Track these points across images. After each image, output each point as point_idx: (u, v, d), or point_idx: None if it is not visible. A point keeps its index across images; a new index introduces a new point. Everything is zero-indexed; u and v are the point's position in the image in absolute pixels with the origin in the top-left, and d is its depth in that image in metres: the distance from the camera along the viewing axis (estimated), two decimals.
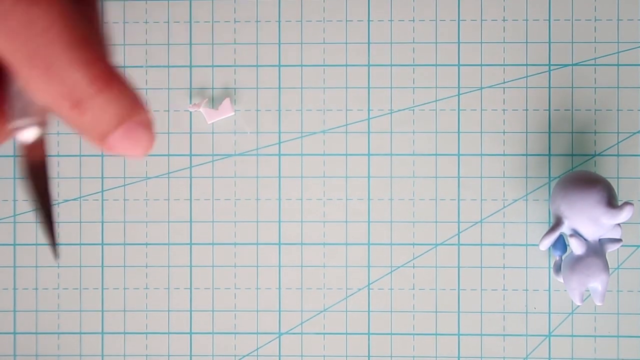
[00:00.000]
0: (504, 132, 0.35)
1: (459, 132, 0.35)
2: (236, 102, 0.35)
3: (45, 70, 0.21)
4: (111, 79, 0.22)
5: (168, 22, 0.35)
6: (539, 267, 0.35)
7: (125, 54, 0.35)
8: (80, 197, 0.35)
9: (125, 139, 0.23)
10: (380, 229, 0.35)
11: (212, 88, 0.35)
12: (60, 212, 0.35)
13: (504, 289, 0.35)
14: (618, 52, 0.35)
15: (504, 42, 0.35)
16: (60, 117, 0.21)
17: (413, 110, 0.35)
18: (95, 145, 0.25)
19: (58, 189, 0.35)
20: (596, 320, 0.35)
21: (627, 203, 0.31)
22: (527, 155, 0.35)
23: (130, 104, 0.22)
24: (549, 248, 0.34)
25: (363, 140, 0.35)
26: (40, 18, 0.20)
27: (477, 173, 0.35)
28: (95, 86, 0.21)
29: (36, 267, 0.35)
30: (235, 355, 0.35)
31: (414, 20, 0.35)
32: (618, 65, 0.35)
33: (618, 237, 0.32)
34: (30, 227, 0.35)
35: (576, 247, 0.31)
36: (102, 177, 0.35)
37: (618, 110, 0.35)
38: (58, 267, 0.35)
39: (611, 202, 0.31)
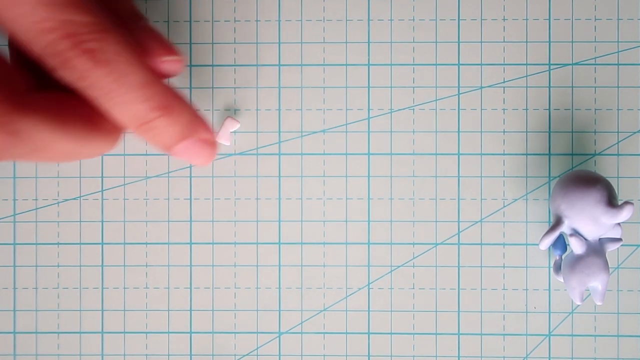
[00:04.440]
0: (504, 132, 0.35)
1: (459, 131, 0.35)
2: (236, 102, 0.35)
3: (116, 104, 0.27)
4: (170, 105, 0.28)
5: (168, 21, 0.35)
6: (539, 266, 0.35)
7: None
8: (80, 197, 0.35)
9: (187, 151, 0.30)
10: (380, 229, 0.35)
11: (212, 87, 0.35)
12: (60, 212, 0.35)
13: (504, 289, 0.35)
14: (618, 52, 0.35)
15: (504, 42, 0.35)
16: (135, 132, 0.28)
17: (413, 109, 0.35)
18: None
19: (58, 189, 0.35)
20: (596, 319, 0.35)
21: (627, 202, 0.31)
22: (527, 154, 0.35)
23: (187, 124, 0.29)
24: (549, 247, 0.34)
25: (363, 140, 0.35)
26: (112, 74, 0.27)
27: (477, 172, 0.35)
28: (156, 113, 0.28)
29: (36, 266, 0.35)
30: (235, 355, 0.35)
31: (414, 20, 0.35)
32: (618, 64, 0.35)
33: (618, 236, 0.32)
34: (30, 226, 0.35)
35: (576, 246, 0.31)
36: (102, 177, 0.35)
37: (618, 109, 0.35)
38: (58, 266, 0.35)
39: (611, 201, 0.31)
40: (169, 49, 0.30)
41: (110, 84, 0.27)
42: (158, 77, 0.28)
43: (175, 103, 0.29)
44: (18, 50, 0.27)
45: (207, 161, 0.31)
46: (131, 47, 0.27)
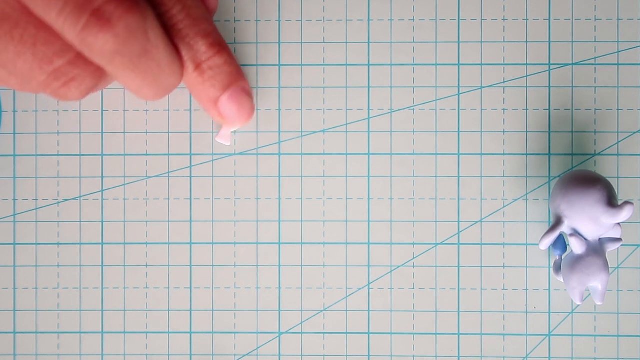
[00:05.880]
0: (504, 132, 0.35)
1: (459, 131, 0.35)
2: None
3: (183, 37, 0.29)
4: (223, 45, 0.31)
5: None
6: (539, 266, 0.35)
7: None
8: (80, 197, 0.35)
9: (232, 101, 0.31)
10: (380, 229, 0.35)
11: None
12: (60, 212, 0.35)
13: (504, 289, 0.35)
14: (618, 52, 0.35)
15: (504, 42, 0.35)
16: (186, 81, 0.30)
17: (413, 109, 0.35)
18: (209, 112, 0.31)
19: (58, 189, 0.35)
20: (596, 319, 0.35)
21: (627, 202, 0.31)
22: (527, 154, 0.35)
23: (237, 69, 0.31)
24: (549, 247, 0.34)
25: (363, 140, 0.35)
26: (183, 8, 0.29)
27: (477, 172, 0.35)
28: (214, 50, 0.30)
29: (36, 266, 0.35)
30: (235, 355, 0.35)
31: (414, 20, 0.35)
32: (618, 64, 0.35)
33: (618, 236, 0.32)
34: (30, 226, 0.35)
35: (576, 246, 0.31)
36: (102, 177, 0.35)
37: (618, 109, 0.35)
38: (58, 266, 0.35)
39: (611, 201, 0.31)
40: None
41: (179, 14, 0.29)
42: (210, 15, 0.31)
43: (227, 45, 0.31)
44: None
45: (248, 115, 0.33)
46: None
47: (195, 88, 0.31)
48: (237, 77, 0.32)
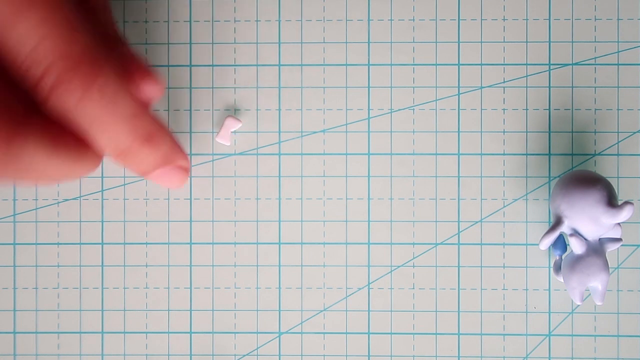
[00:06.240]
0: (504, 132, 0.35)
1: (459, 131, 0.35)
2: (236, 102, 0.35)
3: (102, 132, 0.27)
4: (153, 136, 0.28)
5: (168, 21, 0.35)
6: (539, 266, 0.35)
7: None
8: (80, 197, 0.35)
9: (162, 177, 0.30)
10: (380, 229, 0.35)
11: (212, 87, 0.35)
12: (60, 212, 0.35)
13: (504, 289, 0.35)
14: (618, 52, 0.35)
15: (504, 42, 0.35)
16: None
17: (413, 109, 0.35)
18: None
19: (58, 189, 0.35)
20: (596, 319, 0.35)
21: (627, 202, 0.31)
22: (527, 154, 0.35)
23: (167, 153, 0.30)
24: (549, 247, 0.34)
25: (363, 140, 0.35)
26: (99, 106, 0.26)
27: (477, 172, 0.35)
28: (139, 143, 0.28)
29: (36, 266, 0.35)
30: (235, 355, 0.35)
31: (414, 20, 0.35)
32: (618, 64, 0.35)
33: (618, 236, 0.32)
34: (30, 226, 0.35)
35: (576, 246, 0.31)
36: (102, 177, 0.35)
37: (618, 109, 0.35)
38: (58, 266, 0.35)
39: (611, 201, 0.31)
40: (149, 74, 0.30)
41: (99, 114, 0.26)
42: (143, 106, 0.28)
43: (158, 133, 0.29)
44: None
45: (179, 186, 0.31)
46: (120, 77, 0.26)
47: (123, 165, 0.29)
48: (168, 160, 0.30)
